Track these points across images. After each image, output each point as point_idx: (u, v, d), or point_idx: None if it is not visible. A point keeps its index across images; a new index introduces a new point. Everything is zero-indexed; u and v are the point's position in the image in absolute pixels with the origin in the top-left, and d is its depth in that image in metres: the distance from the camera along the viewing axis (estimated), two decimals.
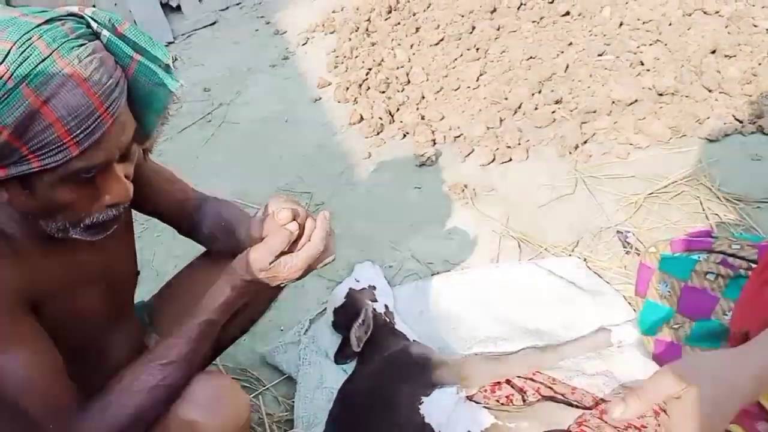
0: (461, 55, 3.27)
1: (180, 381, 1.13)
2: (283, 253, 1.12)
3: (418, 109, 2.99)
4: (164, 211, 1.46)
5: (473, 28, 3.49)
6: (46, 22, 0.88)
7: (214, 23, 4.63)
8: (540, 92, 2.87)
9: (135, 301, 1.60)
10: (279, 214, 1.11)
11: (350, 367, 1.75)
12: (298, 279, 1.16)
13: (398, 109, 3.01)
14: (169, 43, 4.51)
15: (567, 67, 2.98)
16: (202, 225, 1.45)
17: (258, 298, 1.22)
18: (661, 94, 2.62)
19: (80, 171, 0.94)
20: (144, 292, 1.71)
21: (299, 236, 1.13)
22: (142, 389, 1.08)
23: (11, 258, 1.04)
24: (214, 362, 1.85)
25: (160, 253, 2.44)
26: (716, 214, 2.02)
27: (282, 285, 1.18)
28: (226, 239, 1.38)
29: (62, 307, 1.14)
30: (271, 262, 1.11)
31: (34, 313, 1.06)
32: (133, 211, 1.47)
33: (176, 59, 1.08)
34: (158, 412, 1.11)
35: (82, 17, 0.93)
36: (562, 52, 3.11)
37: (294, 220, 1.11)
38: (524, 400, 1.56)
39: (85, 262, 1.19)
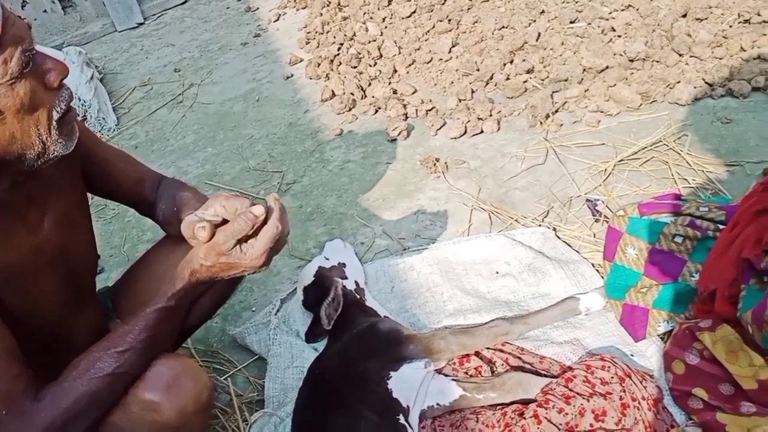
0: (433, 27, 3.23)
1: (136, 368, 1.12)
2: (246, 240, 1.11)
3: (390, 83, 2.95)
4: (120, 191, 1.45)
5: None
6: None
7: (185, 2, 4.55)
8: (512, 62, 2.85)
9: (100, 288, 1.59)
10: (197, 233, 1.11)
11: (321, 345, 1.74)
12: (263, 266, 1.14)
13: (370, 84, 2.98)
14: (139, 24, 4.43)
15: (539, 35, 2.95)
16: (157, 208, 1.43)
17: (222, 282, 1.20)
18: (632, 60, 2.60)
19: (16, 49, 0.95)
20: (114, 278, 1.69)
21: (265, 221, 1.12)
22: (97, 376, 1.07)
23: None
24: (185, 345, 1.84)
25: (131, 238, 2.42)
26: (685, 179, 2.02)
27: (247, 273, 1.16)
28: (178, 224, 1.36)
29: (18, 293, 1.12)
30: (232, 247, 1.10)
31: None
32: (100, 200, 1.44)
33: None
34: (113, 397, 1.10)
35: None
36: (534, 20, 3.08)
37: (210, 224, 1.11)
38: (493, 371, 1.56)
39: (41, 246, 1.17)
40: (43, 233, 1.18)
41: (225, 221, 1.14)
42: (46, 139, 1.04)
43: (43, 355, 1.15)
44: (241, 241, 1.11)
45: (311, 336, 1.78)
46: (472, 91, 2.73)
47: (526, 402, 1.44)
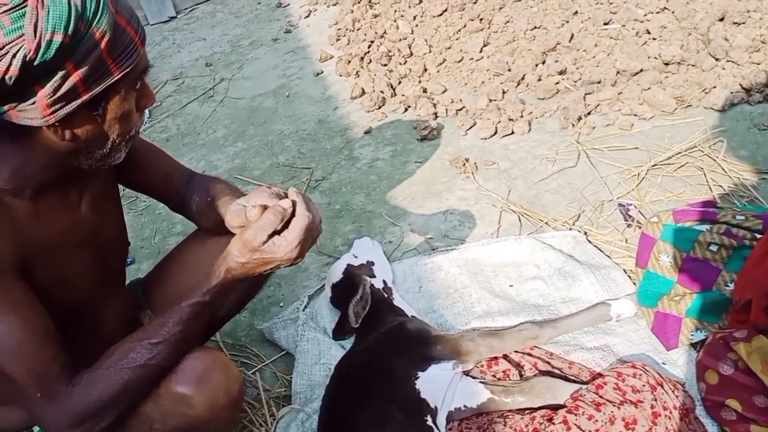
0: (465, 26, 3.22)
1: (168, 361, 1.13)
2: (275, 234, 1.12)
3: (420, 82, 2.95)
4: (150, 184, 1.47)
5: None
6: None
7: None
8: (544, 63, 2.83)
9: (132, 279, 1.61)
10: (249, 213, 1.14)
11: (348, 342, 1.75)
12: (297, 258, 1.15)
13: (400, 82, 2.97)
14: (171, 17, 4.47)
15: (572, 36, 2.92)
16: (190, 200, 1.45)
17: (254, 278, 1.21)
18: (667, 64, 2.56)
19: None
20: (144, 269, 1.71)
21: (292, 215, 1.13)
22: (129, 366, 1.09)
23: (1, 221, 1.04)
24: (213, 338, 1.86)
25: (161, 230, 2.44)
26: (720, 186, 1.98)
27: (281, 266, 1.17)
28: (213, 215, 1.37)
29: (53, 270, 1.14)
30: (264, 241, 1.11)
31: (25, 278, 1.06)
32: (131, 192, 1.46)
33: None
34: (144, 389, 1.12)
35: None
36: (568, 21, 3.05)
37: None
38: (521, 375, 1.55)
39: (77, 225, 1.20)
40: (80, 212, 1.22)
41: None
42: (115, 146, 1.11)
43: (74, 337, 1.17)
44: (272, 236, 1.11)
45: (338, 333, 1.78)
46: (503, 92, 2.71)
47: (554, 407, 1.43)
